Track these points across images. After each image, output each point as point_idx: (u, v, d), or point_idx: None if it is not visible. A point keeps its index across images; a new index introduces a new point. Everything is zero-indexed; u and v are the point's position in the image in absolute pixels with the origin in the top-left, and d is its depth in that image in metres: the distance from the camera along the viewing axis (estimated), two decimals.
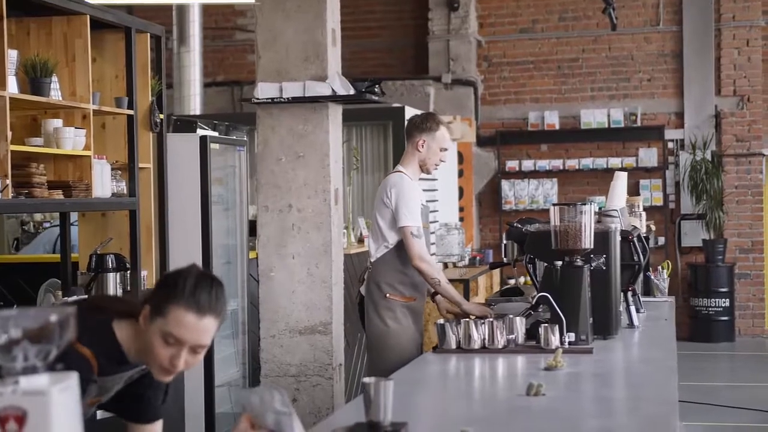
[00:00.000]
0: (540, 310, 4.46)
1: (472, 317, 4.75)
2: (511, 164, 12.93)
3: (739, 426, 8.12)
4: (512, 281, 12.24)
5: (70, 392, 1.77)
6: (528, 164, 12.88)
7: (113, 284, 5.38)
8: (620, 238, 4.77)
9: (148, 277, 5.83)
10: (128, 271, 5.53)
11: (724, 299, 12.22)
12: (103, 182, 5.25)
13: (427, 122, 5.34)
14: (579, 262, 4.37)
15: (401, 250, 5.22)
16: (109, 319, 2.68)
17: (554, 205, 4.44)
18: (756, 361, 11.43)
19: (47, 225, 8.54)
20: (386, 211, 5.21)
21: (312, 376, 5.70)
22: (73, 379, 1.78)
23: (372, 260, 5.33)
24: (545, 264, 4.52)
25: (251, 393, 2.52)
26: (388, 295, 5.21)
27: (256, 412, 2.49)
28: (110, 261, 5.38)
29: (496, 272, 11.23)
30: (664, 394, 3.27)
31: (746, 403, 8.76)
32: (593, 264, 4.45)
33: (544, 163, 12.84)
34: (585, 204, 4.41)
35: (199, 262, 6.25)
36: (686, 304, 12.50)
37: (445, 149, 5.37)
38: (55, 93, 4.93)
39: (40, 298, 5.68)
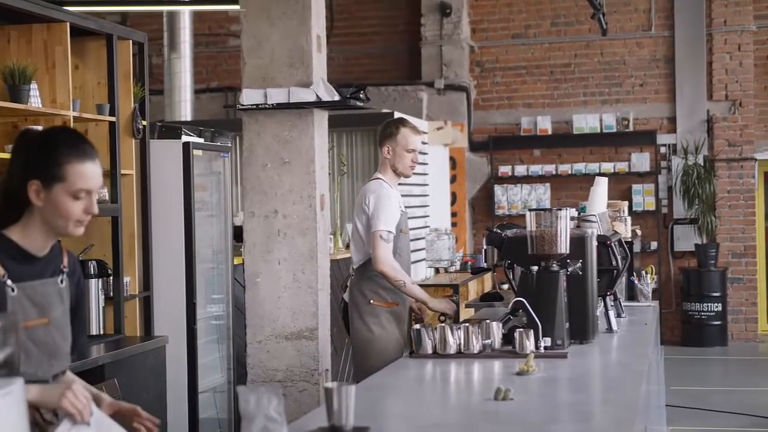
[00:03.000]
0: (518, 315, 4.47)
1: (441, 316, 4.85)
2: (504, 169, 12.95)
3: (730, 431, 8.12)
4: (506, 286, 12.23)
5: (13, 398, 1.78)
6: (521, 169, 12.89)
7: (95, 290, 5.39)
8: (598, 243, 4.78)
9: (131, 283, 5.84)
10: (110, 278, 5.54)
11: (716, 304, 12.22)
12: None
13: (387, 128, 5.47)
14: (555, 267, 4.38)
15: None
16: None
17: (530, 210, 4.45)
18: (748, 366, 11.43)
19: None
20: (365, 218, 5.32)
21: (298, 381, 5.71)
22: (16, 385, 1.80)
23: (354, 267, 5.41)
24: (522, 269, 4.53)
25: (251, 391, 2.55)
26: (372, 301, 5.29)
27: (247, 411, 2.52)
28: (92, 267, 5.39)
29: (488, 277, 11.24)
30: (628, 399, 3.28)
31: (738, 407, 8.76)
32: (569, 269, 4.46)
33: (536, 168, 12.86)
34: (561, 209, 4.42)
35: (183, 268, 6.29)
36: (679, 308, 12.51)
37: (412, 150, 5.42)
38: (35, 100, 4.95)
39: None
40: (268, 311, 5.69)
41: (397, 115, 10.12)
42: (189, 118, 10.62)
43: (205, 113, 12.58)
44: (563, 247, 4.37)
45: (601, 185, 5.55)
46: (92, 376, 4.75)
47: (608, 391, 3.57)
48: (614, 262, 5.01)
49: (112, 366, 4.85)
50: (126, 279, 5.73)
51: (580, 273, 4.52)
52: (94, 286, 5.40)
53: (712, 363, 11.63)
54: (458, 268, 10.44)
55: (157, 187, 6.11)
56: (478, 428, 2.97)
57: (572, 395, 3.56)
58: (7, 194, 2.73)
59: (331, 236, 7.85)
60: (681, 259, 12.70)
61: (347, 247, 8.15)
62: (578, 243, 4.52)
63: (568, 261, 4.47)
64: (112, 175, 5.59)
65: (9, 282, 2.65)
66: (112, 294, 5.60)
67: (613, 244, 5.04)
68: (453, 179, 12.37)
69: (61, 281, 2.81)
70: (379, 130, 5.52)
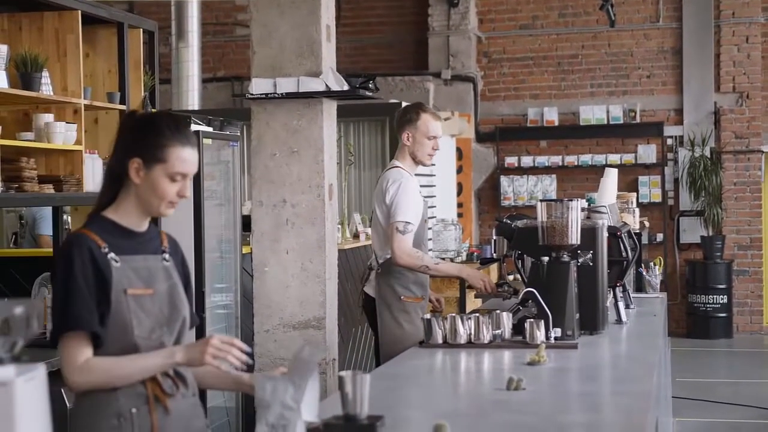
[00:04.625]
0: (528, 305, 4.46)
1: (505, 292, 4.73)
2: (510, 160, 12.95)
3: (735, 422, 8.13)
4: (511, 277, 12.24)
5: (36, 382, 1.79)
6: (527, 160, 12.90)
7: None
8: (608, 234, 4.78)
9: None
10: None
11: (722, 296, 12.23)
12: (95, 177, 5.27)
13: (407, 114, 5.29)
14: (566, 258, 4.38)
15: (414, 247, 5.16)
16: (95, 214, 2.88)
17: (541, 200, 4.45)
18: (753, 358, 11.44)
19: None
20: (386, 209, 5.16)
21: None
22: (39, 371, 1.81)
23: (380, 261, 5.23)
24: (532, 260, 4.53)
25: (267, 379, 2.60)
26: (403, 297, 5.15)
27: (263, 399, 2.55)
28: None
29: (494, 268, 11.24)
30: (641, 390, 3.28)
31: (743, 399, 8.78)
32: (580, 260, 4.46)
33: (543, 160, 12.86)
34: (572, 200, 4.42)
35: (192, 257, 6.28)
36: (684, 300, 12.52)
37: (433, 137, 5.25)
38: (46, 88, 4.95)
39: (35, 291, 5.69)
40: (276, 301, 5.69)
41: (405, 104, 10.13)
42: (196, 107, 10.61)
43: (212, 102, 12.58)
44: (574, 237, 4.37)
45: (611, 176, 5.54)
46: None
47: (621, 382, 3.56)
48: (624, 254, 5.01)
49: None
50: None
51: (591, 264, 4.51)
52: None
53: (717, 355, 11.64)
54: (464, 258, 10.44)
55: None
56: (491, 417, 2.98)
57: (585, 386, 3.57)
58: (109, 173, 2.89)
59: (339, 226, 7.85)
60: (687, 251, 12.70)
61: (355, 237, 8.15)
62: (589, 234, 4.52)
63: (579, 252, 4.47)
64: None
65: (112, 254, 2.79)
66: None
67: (623, 235, 5.04)
68: (459, 170, 12.37)
69: (165, 260, 2.93)
70: (398, 116, 5.37)
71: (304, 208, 5.80)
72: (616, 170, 5.68)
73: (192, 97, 10.63)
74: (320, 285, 5.80)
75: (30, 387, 1.77)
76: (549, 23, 13.05)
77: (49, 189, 4.94)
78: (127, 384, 2.79)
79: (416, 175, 5.96)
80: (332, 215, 5.94)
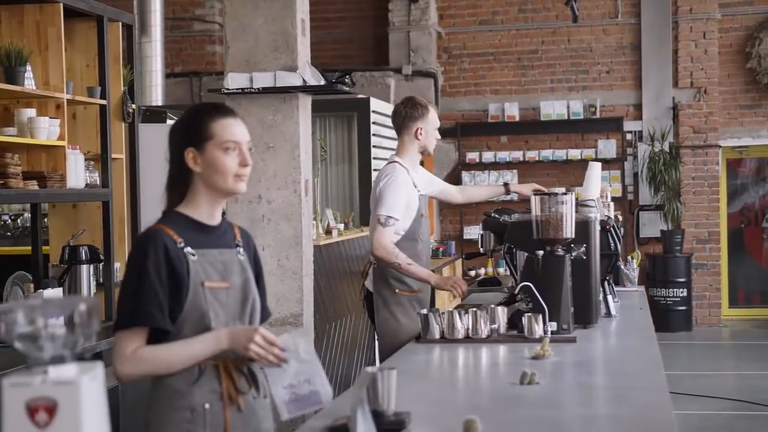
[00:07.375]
0: (519, 299, 4.46)
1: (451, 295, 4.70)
2: (472, 156, 12.97)
3: (699, 414, 8.23)
4: (472, 272, 12.28)
5: (98, 381, 1.75)
6: (488, 156, 12.93)
7: (86, 276, 5.30)
8: (599, 228, 4.79)
9: (121, 269, 5.75)
10: (101, 263, 5.46)
11: (681, 289, 12.36)
12: (77, 173, 5.18)
13: (417, 109, 5.28)
14: (560, 252, 4.39)
15: (406, 242, 5.12)
16: (168, 211, 2.90)
17: (535, 194, 4.45)
18: (713, 350, 11.59)
19: (4, 217, 8.42)
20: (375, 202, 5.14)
21: None
22: (99, 368, 1.76)
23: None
24: (526, 254, 4.53)
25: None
26: (397, 290, 5.14)
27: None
28: (83, 253, 5.30)
29: (459, 263, 11.29)
30: (655, 383, 3.30)
31: (705, 391, 8.89)
32: (574, 253, 4.46)
33: (504, 155, 12.89)
34: (566, 194, 4.42)
35: None
36: (644, 294, 12.61)
37: (437, 127, 5.39)
38: (29, 82, 4.85)
39: (7, 291, 5.58)
40: None
41: (374, 100, 10.11)
42: (160, 103, 10.48)
43: (171, 98, 12.43)
44: (569, 231, 4.38)
45: (596, 170, 5.55)
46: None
47: (632, 375, 3.55)
48: (613, 246, 5.04)
49: (108, 353, 4.76)
50: (117, 264, 5.65)
51: (584, 257, 4.52)
52: (86, 271, 5.31)
53: (677, 348, 11.76)
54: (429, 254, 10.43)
55: (146, 172, 6.03)
56: (514, 412, 2.97)
57: (594, 379, 3.57)
58: (172, 176, 2.89)
59: (313, 222, 7.80)
60: (647, 245, 12.82)
61: (327, 233, 8.10)
62: (582, 227, 4.53)
63: (572, 245, 4.47)
64: (102, 160, 5.50)
65: (188, 248, 2.80)
66: (102, 280, 5.51)
67: (611, 228, 5.07)
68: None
69: (239, 254, 2.93)
70: (405, 112, 5.27)
71: (281, 204, 5.77)
72: (599, 164, 5.69)
73: (156, 93, 10.51)
74: (297, 281, 5.77)
75: (93, 385, 1.73)
76: (509, 19, 13.09)
77: (32, 185, 4.85)
78: (174, 372, 2.77)
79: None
80: (308, 211, 5.91)
